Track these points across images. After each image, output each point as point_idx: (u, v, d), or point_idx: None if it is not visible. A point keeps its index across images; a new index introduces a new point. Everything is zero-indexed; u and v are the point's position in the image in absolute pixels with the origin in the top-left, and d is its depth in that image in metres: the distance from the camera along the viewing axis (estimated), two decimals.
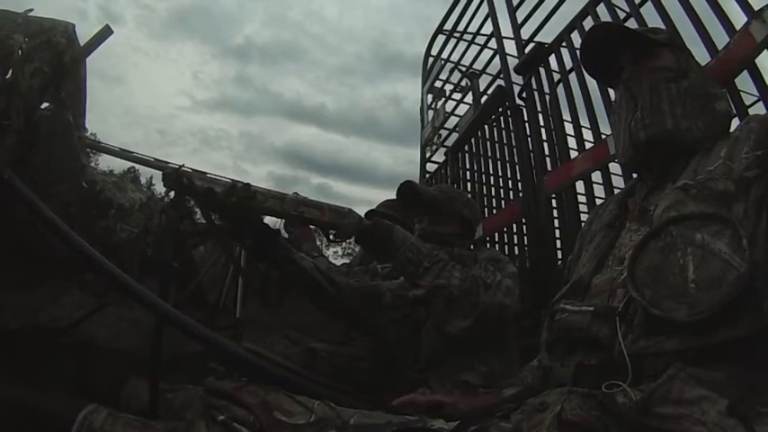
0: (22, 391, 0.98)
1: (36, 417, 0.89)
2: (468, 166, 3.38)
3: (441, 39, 4.04)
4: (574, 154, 2.38)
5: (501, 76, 3.03)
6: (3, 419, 0.87)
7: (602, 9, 2.21)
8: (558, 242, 2.70)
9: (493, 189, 3.11)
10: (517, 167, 2.82)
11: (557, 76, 2.50)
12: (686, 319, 0.56)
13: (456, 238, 1.30)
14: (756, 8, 1.54)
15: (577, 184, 2.26)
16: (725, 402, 0.51)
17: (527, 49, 2.72)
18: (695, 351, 0.57)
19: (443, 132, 3.80)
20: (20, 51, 1.58)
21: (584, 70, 1.08)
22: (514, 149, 2.82)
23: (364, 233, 1.15)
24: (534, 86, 2.64)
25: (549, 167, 2.51)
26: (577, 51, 2.19)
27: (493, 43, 3.22)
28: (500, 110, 2.98)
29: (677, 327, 0.58)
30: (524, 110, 2.74)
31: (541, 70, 2.59)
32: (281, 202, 1.15)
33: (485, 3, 3.29)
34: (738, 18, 1.60)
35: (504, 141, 2.95)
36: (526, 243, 2.70)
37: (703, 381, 0.54)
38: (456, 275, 1.08)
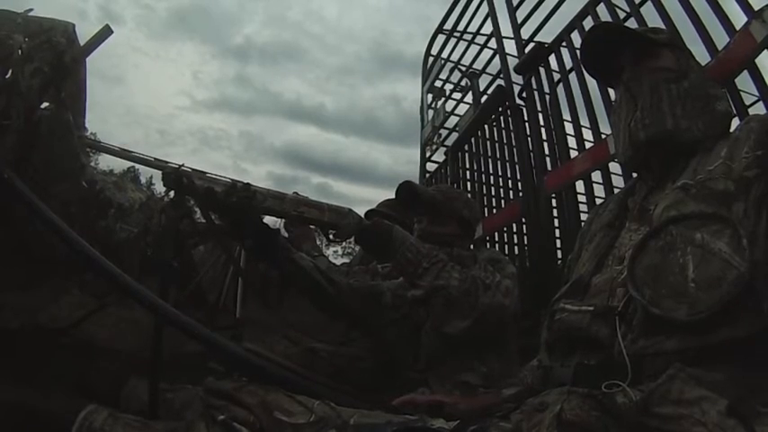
0: (22, 391, 0.98)
1: (36, 417, 0.89)
2: (468, 166, 3.38)
3: (441, 38, 4.04)
4: (574, 154, 2.38)
5: (501, 75, 3.03)
6: (3, 420, 0.87)
7: (602, 9, 2.21)
8: (558, 242, 2.70)
9: (493, 189, 3.11)
10: (517, 167, 2.82)
11: (557, 76, 2.50)
12: (686, 318, 0.56)
13: (455, 239, 1.30)
14: (756, 8, 1.54)
15: (577, 183, 2.26)
16: (725, 402, 0.51)
17: (527, 49, 2.72)
18: (695, 351, 0.57)
19: (443, 132, 3.80)
20: (20, 51, 1.59)
21: (584, 70, 1.08)
22: (514, 149, 2.82)
23: (364, 233, 1.15)
24: (534, 86, 2.64)
25: (549, 167, 2.51)
26: (577, 51, 2.19)
27: (493, 43, 3.21)
28: (500, 109, 2.98)
29: (677, 326, 0.57)
30: (524, 110, 2.74)
31: (541, 70, 2.59)
32: (281, 201, 1.15)
33: (485, 2, 3.28)
34: (738, 18, 1.60)
35: (504, 141, 2.95)
36: (526, 243, 2.70)
37: (703, 381, 0.54)
38: (455, 276, 1.08)
